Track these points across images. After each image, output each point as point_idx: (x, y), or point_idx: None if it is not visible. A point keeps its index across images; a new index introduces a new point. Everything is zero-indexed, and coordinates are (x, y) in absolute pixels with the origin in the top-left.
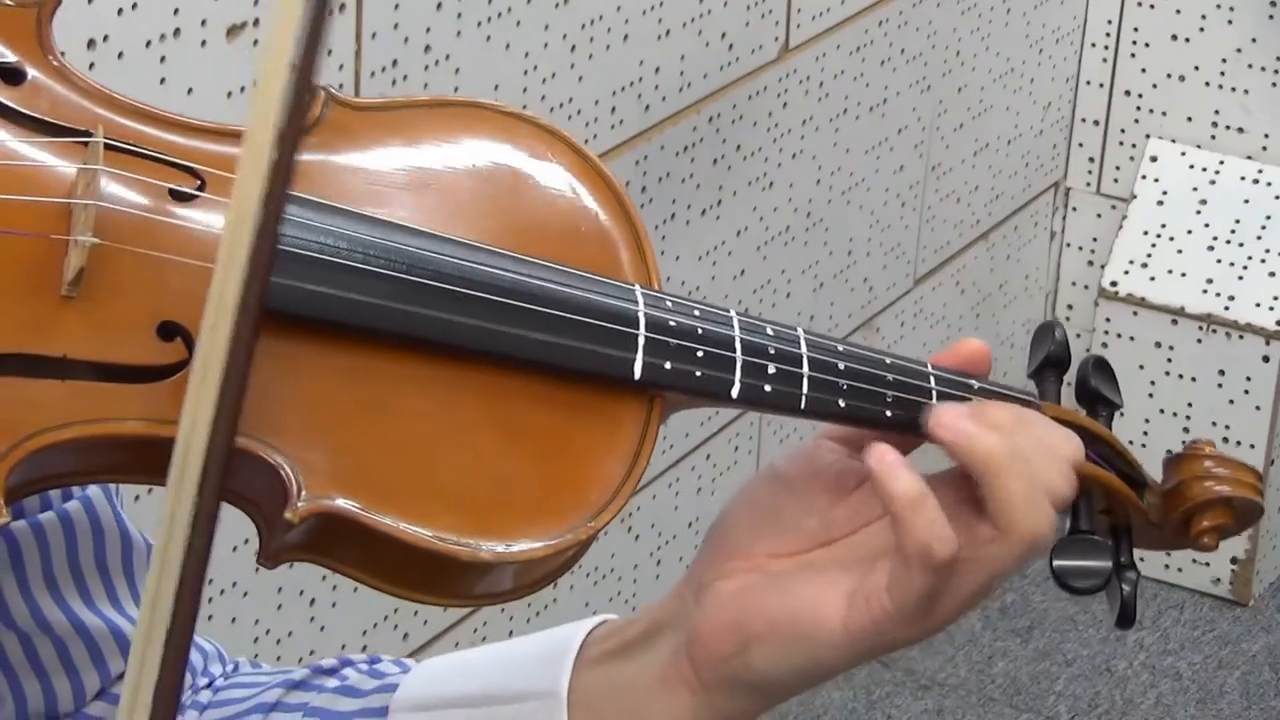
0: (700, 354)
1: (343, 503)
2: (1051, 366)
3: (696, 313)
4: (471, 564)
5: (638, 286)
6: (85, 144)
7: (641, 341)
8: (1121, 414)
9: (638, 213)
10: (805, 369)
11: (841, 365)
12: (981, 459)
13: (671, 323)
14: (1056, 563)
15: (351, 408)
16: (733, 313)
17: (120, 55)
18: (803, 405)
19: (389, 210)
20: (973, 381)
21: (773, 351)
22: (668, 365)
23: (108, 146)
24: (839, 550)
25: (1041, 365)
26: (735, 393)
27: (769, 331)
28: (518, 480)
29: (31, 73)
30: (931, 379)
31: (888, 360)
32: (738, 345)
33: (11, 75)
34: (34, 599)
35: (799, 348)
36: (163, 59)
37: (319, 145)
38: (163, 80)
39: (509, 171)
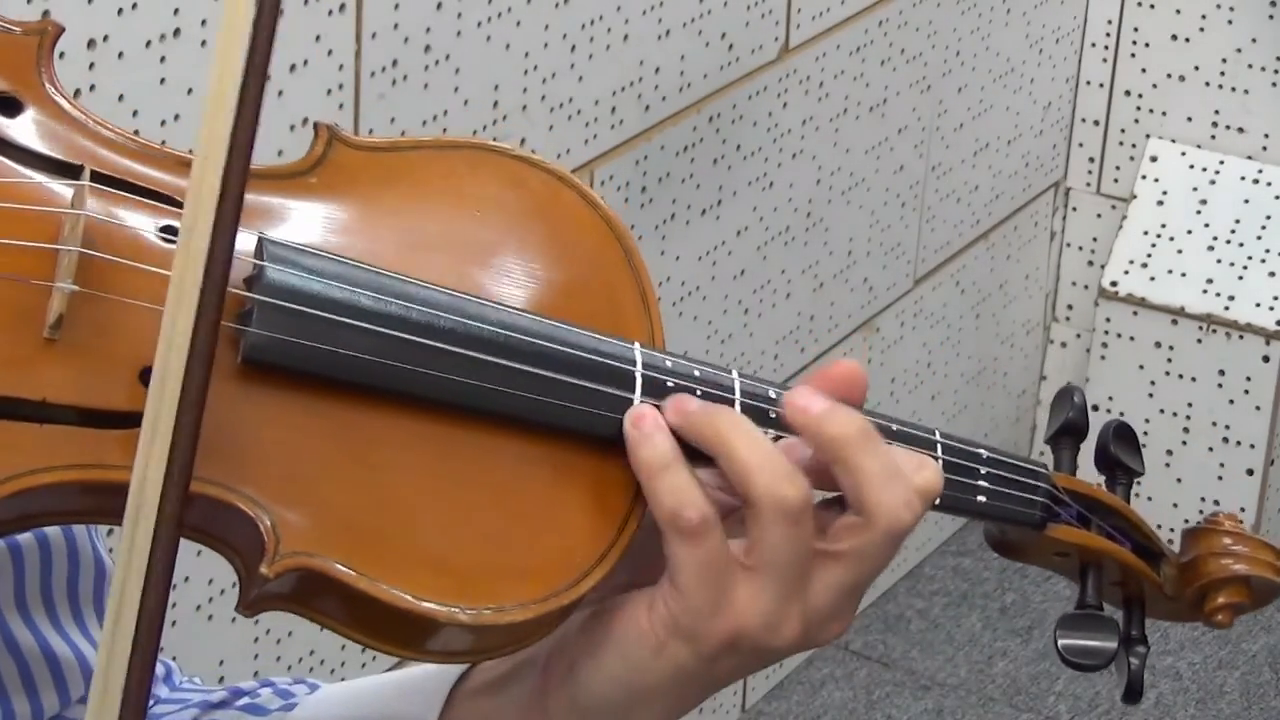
0: None
1: (320, 560)
2: (1068, 433)
3: (696, 373)
4: (450, 625)
5: (638, 345)
6: (74, 184)
7: (636, 404)
8: (1141, 484)
9: (644, 265)
10: None
11: None
12: (830, 438)
13: (669, 384)
14: (1062, 641)
15: (335, 462)
16: (735, 374)
17: (120, 55)
18: None
19: (385, 259)
20: (981, 450)
21: (773, 416)
22: None
23: (97, 183)
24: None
25: (1059, 432)
26: None
27: (770, 395)
28: (502, 541)
29: (28, 104)
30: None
31: (894, 427)
32: (737, 409)
33: (7, 107)
34: (4, 619)
35: None
36: (163, 59)
37: (319, 187)
38: (163, 80)
39: (514, 220)
